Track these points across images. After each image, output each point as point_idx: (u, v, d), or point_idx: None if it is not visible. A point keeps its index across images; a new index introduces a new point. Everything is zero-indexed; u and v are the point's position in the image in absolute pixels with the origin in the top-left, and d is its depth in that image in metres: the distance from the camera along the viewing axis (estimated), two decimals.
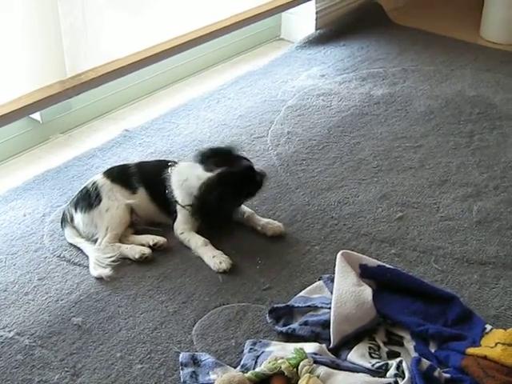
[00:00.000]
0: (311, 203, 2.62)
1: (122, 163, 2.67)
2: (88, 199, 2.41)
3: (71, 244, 2.39)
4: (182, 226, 2.40)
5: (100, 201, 2.39)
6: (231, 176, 2.36)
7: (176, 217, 2.41)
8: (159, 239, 2.37)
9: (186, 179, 2.40)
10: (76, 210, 2.42)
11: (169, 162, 2.51)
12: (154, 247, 2.36)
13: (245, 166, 2.40)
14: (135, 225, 2.46)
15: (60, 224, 2.46)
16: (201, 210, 2.35)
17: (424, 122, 3.19)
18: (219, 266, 2.28)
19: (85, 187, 2.46)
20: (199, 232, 2.39)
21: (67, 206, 2.47)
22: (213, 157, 2.42)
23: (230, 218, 2.43)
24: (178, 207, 2.40)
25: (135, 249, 2.34)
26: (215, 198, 2.31)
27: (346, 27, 4.08)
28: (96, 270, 2.26)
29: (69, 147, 3.05)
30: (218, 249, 2.33)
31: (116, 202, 2.40)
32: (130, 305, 2.16)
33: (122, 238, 2.39)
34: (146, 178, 2.47)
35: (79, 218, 2.40)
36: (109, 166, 2.61)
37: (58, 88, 2.80)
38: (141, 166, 2.53)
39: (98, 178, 2.47)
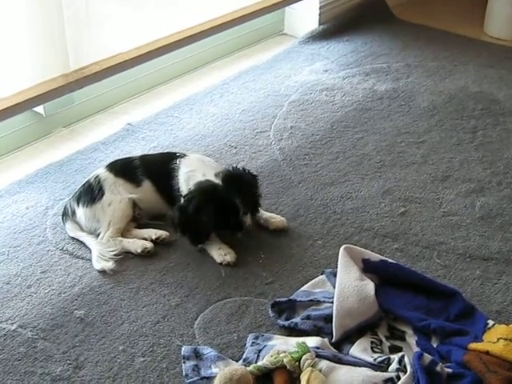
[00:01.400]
0: (314, 198, 2.62)
1: (125, 157, 2.67)
2: (91, 193, 2.40)
3: (73, 238, 2.40)
4: None
5: (103, 195, 2.39)
6: (220, 193, 2.29)
7: None
8: (162, 233, 2.37)
9: (193, 170, 2.38)
10: (78, 204, 2.41)
11: (176, 153, 2.50)
12: (156, 241, 2.36)
13: (234, 201, 2.30)
14: (138, 219, 2.46)
15: (61, 218, 2.46)
16: (178, 219, 2.29)
17: (427, 117, 3.19)
18: (224, 258, 2.28)
19: (87, 181, 2.46)
20: None
21: (69, 201, 2.46)
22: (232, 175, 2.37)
23: (204, 236, 2.32)
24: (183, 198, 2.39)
25: (137, 243, 2.34)
26: (194, 208, 2.25)
27: (350, 22, 4.07)
28: (99, 264, 2.26)
29: (71, 141, 3.05)
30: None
31: (119, 196, 2.40)
32: (132, 298, 2.16)
33: (124, 232, 2.39)
34: (152, 169, 2.46)
35: (81, 212, 2.40)
36: (111, 160, 2.60)
37: (61, 81, 2.80)
38: (145, 158, 2.53)
39: (101, 171, 2.47)
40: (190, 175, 2.37)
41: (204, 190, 2.30)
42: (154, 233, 2.37)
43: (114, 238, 2.34)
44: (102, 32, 2.89)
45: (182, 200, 2.32)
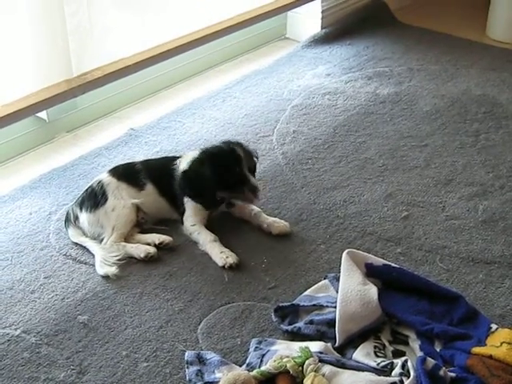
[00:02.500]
0: (317, 202, 2.62)
1: (127, 162, 2.67)
2: (94, 198, 2.41)
3: (76, 243, 2.40)
4: (192, 218, 2.40)
5: (106, 200, 2.40)
6: (222, 148, 2.41)
7: (184, 210, 2.41)
8: (165, 238, 2.37)
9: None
10: (81, 209, 2.42)
11: (176, 156, 2.52)
12: (159, 246, 2.36)
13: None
14: (142, 224, 2.46)
15: (64, 224, 2.47)
16: (187, 183, 2.38)
17: (430, 121, 3.19)
18: (226, 260, 2.28)
19: (90, 186, 2.46)
20: (208, 228, 2.40)
21: (71, 206, 2.47)
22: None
23: (212, 193, 2.40)
24: (186, 199, 2.40)
25: (140, 248, 2.34)
26: (195, 165, 2.37)
27: (352, 26, 4.08)
28: (102, 269, 2.27)
29: (75, 146, 3.06)
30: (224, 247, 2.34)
31: (122, 201, 2.40)
32: (135, 303, 2.16)
33: (127, 237, 2.39)
34: (154, 172, 2.47)
35: (84, 217, 2.41)
36: (114, 165, 2.61)
37: (65, 87, 2.81)
38: (147, 162, 2.55)
39: (104, 176, 2.47)
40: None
41: (204, 152, 2.41)
42: (157, 238, 2.38)
43: (117, 243, 2.35)
44: (104, 38, 2.90)
45: None
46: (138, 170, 2.48)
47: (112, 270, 2.26)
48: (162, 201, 2.46)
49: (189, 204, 2.42)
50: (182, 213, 2.43)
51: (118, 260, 2.30)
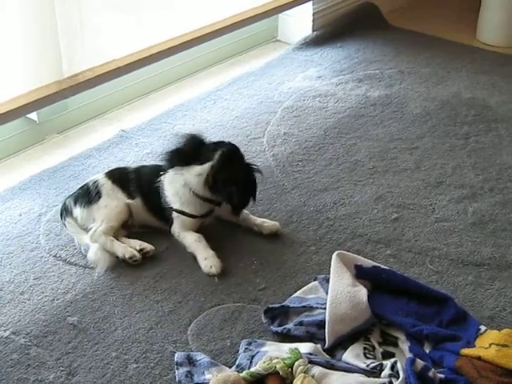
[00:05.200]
0: (307, 204, 2.63)
1: (120, 165, 2.67)
2: (88, 196, 2.41)
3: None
4: (179, 229, 2.39)
5: (100, 197, 2.39)
6: (232, 152, 2.39)
7: (172, 222, 2.39)
8: (146, 246, 2.35)
9: (185, 184, 2.35)
10: (76, 204, 2.42)
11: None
12: (139, 252, 2.33)
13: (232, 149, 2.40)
14: (130, 227, 2.45)
15: (60, 215, 2.46)
16: (221, 186, 2.33)
17: (420, 123, 3.20)
18: (209, 270, 2.27)
19: (85, 184, 2.47)
20: (198, 230, 2.39)
21: (68, 199, 2.46)
22: (182, 156, 2.39)
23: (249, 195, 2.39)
24: (174, 214, 2.38)
25: (128, 249, 2.31)
26: (232, 173, 2.33)
27: (343, 29, 4.08)
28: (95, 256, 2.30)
29: (65, 147, 3.05)
30: (213, 249, 2.33)
31: (115, 201, 2.40)
32: (125, 304, 2.16)
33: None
34: (142, 186, 2.44)
35: (78, 212, 2.41)
36: (105, 167, 2.61)
37: (55, 88, 2.80)
38: (139, 172, 2.50)
39: (100, 177, 2.47)
40: (183, 189, 2.35)
41: (221, 155, 2.36)
42: (138, 244, 2.35)
43: (106, 235, 2.33)
44: (95, 38, 2.90)
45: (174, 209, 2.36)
46: (131, 179, 2.46)
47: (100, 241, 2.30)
48: (149, 215, 2.45)
49: (178, 218, 2.39)
50: (171, 225, 2.41)
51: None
